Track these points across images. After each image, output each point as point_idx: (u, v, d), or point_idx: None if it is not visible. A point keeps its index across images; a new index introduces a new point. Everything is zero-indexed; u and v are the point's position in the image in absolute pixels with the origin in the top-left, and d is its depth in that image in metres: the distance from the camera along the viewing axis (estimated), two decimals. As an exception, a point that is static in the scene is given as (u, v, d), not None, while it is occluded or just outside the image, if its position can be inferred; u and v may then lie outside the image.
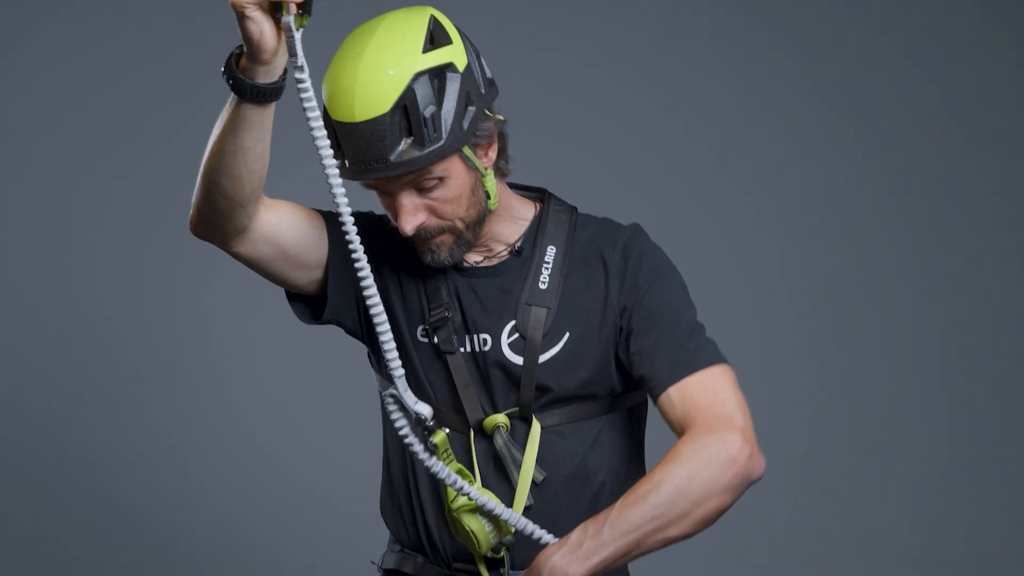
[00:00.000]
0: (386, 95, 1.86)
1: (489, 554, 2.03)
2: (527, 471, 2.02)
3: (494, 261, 2.07)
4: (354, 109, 1.87)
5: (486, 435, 2.05)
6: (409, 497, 2.11)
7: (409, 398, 1.89)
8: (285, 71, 1.78)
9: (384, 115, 1.86)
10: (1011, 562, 4.05)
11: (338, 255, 2.03)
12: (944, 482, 4.09)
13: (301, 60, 1.73)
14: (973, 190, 4.18)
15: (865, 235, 4.14)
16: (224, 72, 1.78)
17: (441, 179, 1.93)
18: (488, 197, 1.99)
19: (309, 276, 2.06)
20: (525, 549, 2.02)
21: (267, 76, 1.77)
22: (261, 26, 1.72)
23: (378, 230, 2.12)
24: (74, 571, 3.79)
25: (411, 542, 2.13)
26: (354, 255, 1.79)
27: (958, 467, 4.10)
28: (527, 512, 2.02)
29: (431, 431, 1.92)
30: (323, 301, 2.08)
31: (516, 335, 2.04)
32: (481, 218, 2.00)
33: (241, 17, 1.71)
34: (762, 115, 4.12)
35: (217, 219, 1.93)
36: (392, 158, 1.88)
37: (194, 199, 1.93)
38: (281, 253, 2.00)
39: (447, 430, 1.97)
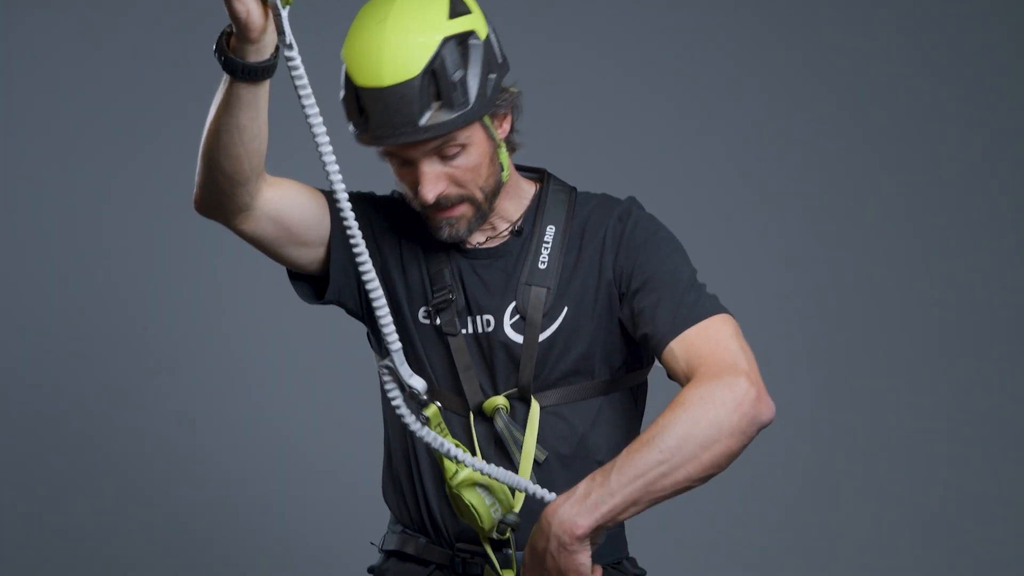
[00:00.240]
0: (416, 59, 1.87)
1: (494, 535, 2.02)
2: (528, 451, 2.01)
3: (496, 242, 2.08)
4: (382, 73, 1.88)
5: (486, 418, 2.05)
6: (411, 477, 2.11)
7: (404, 371, 1.88)
8: (277, 49, 1.78)
9: (414, 79, 1.87)
10: (1011, 562, 4.02)
11: (339, 234, 2.03)
12: (944, 482, 4.06)
13: (289, 38, 1.73)
14: (979, 190, 4.14)
15: (867, 235, 4.11)
16: (216, 51, 1.78)
17: (463, 146, 1.94)
18: (502, 169, 2.01)
19: (311, 255, 2.06)
20: (530, 528, 2.00)
21: (257, 55, 1.77)
22: (247, 5, 1.72)
23: (380, 211, 2.12)
24: (81, 557, 3.80)
25: (413, 523, 2.12)
26: (346, 222, 1.78)
27: (958, 467, 4.07)
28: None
29: (424, 405, 1.92)
30: (326, 281, 2.08)
31: (517, 316, 2.04)
32: (497, 189, 2.02)
33: None
34: (770, 110, 4.09)
35: (218, 197, 1.94)
36: (421, 123, 1.89)
37: (196, 178, 1.94)
38: (284, 231, 2.01)
39: (439, 404, 1.97)
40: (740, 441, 1.84)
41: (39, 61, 3.84)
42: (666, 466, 1.81)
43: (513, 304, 2.04)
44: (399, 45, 1.88)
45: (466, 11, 1.93)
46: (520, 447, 2.02)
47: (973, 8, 4.14)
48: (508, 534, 2.03)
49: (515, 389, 2.04)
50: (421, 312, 2.08)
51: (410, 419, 1.88)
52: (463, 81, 1.90)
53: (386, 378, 1.91)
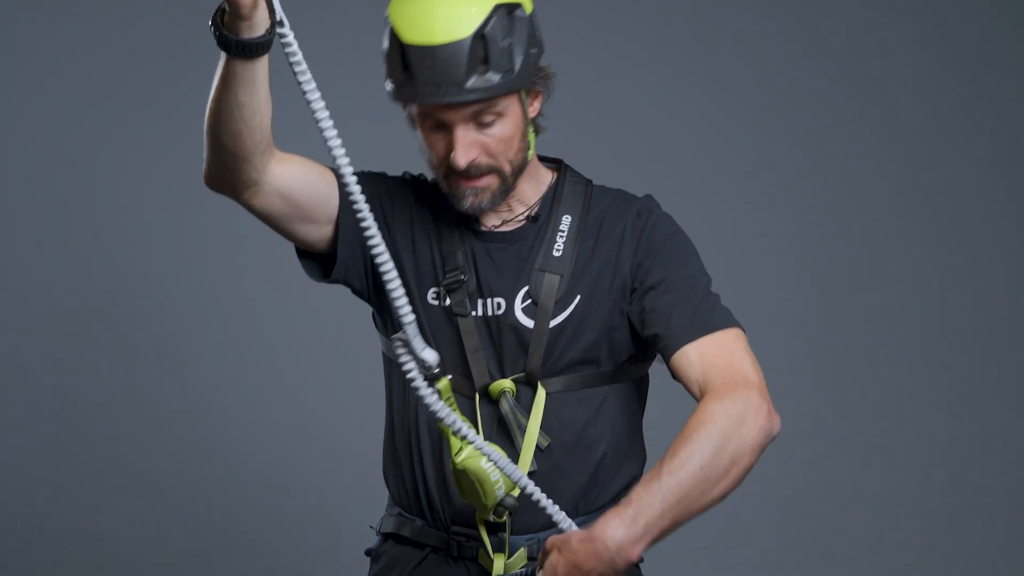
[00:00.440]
0: (469, 20, 1.91)
1: (491, 517, 2.02)
2: (531, 436, 2.02)
3: (511, 226, 2.09)
4: (434, 31, 1.91)
5: (491, 400, 2.05)
6: (411, 459, 2.10)
7: (418, 343, 1.87)
8: (273, 25, 1.78)
9: (466, 39, 1.91)
10: (1011, 562, 4.01)
11: (348, 212, 2.03)
12: (943, 482, 4.05)
13: (280, 15, 1.73)
14: (985, 191, 4.13)
15: (867, 234, 4.10)
16: (211, 28, 1.79)
17: (500, 115, 1.97)
18: (528, 148, 2.03)
19: (320, 232, 2.06)
20: (526, 513, 2.01)
21: (250, 32, 1.77)
22: None
23: (392, 191, 2.13)
24: (87, 544, 3.81)
25: (410, 504, 2.12)
26: (352, 196, 1.77)
27: (958, 467, 4.06)
28: (531, 477, 1.99)
29: (436, 378, 1.91)
30: (333, 259, 2.08)
31: (529, 301, 2.05)
32: (523, 167, 2.04)
33: None
34: (777, 108, 4.09)
35: (225, 173, 1.95)
36: (467, 84, 1.92)
37: (204, 154, 1.95)
38: (293, 207, 2.01)
39: (451, 376, 1.96)
40: (758, 456, 1.90)
41: (45, 44, 3.83)
42: (705, 484, 1.85)
43: (525, 289, 2.05)
44: (453, 4, 1.91)
45: None
46: (523, 432, 2.02)
47: (979, 6, 4.14)
48: (505, 517, 2.02)
49: (522, 374, 2.04)
50: (430, 293, 2.08)
51: (426, 391, 1.87)
52: (509, 49, 1.94)
53: (400, 351, 1.88)
